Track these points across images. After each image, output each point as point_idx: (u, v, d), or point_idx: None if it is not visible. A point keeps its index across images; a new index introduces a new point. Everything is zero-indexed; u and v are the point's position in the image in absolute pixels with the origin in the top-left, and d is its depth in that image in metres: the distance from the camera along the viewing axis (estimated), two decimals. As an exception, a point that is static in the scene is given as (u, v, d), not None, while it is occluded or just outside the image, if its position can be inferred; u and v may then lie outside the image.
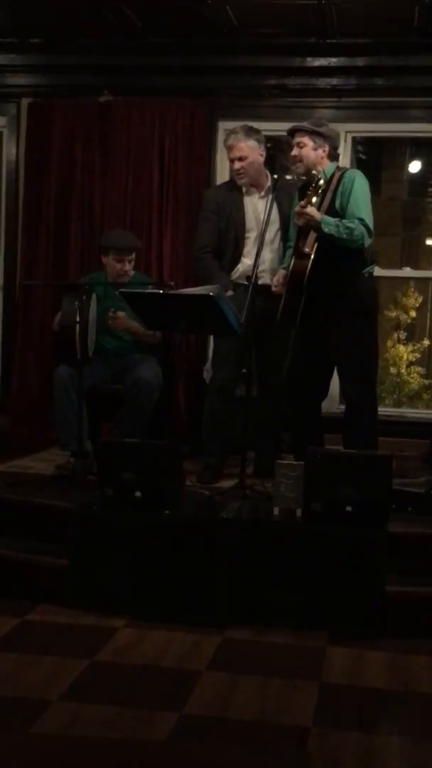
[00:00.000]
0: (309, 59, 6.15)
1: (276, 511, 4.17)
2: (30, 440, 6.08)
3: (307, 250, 4.55)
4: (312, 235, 4.56)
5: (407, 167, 9.69)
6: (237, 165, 5.07)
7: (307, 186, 4.64)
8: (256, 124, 5.26)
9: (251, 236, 5.08)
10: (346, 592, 3.94)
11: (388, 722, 3.17)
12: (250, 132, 5.08)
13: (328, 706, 3.23)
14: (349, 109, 6.23)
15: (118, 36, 6.13)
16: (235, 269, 5.09)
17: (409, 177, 10.18)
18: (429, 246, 11.38)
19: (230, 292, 4.87)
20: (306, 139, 4.72)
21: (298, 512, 4.12)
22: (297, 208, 4.56)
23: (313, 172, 4.63)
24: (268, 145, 5.50)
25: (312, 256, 4.54)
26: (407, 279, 10.63)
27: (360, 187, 4.65)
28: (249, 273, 4.86)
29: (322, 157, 4.73)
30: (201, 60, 6.24)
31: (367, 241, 4.63)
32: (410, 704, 3.30)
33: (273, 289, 4.82)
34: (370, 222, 4.61)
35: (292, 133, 4.78)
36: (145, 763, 2.82)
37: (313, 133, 4.72)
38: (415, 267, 11.03)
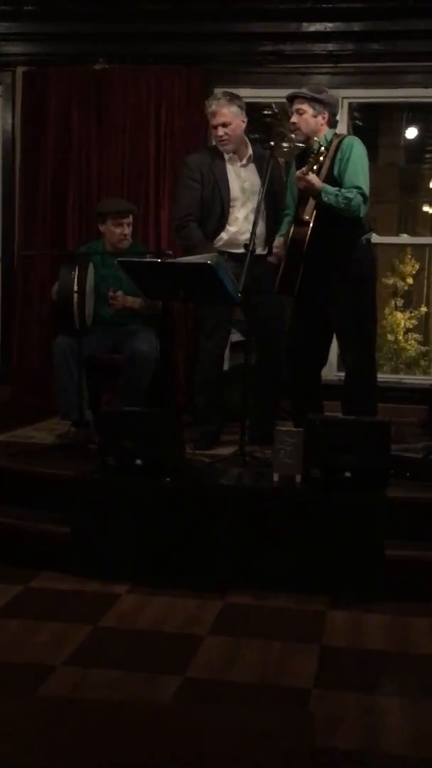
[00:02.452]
0: (305, 24, 6.10)
1: (275, 477, 4.21)
2: (31, 410, 6.09)
3: (306, 217, 4.55)
4: (311, 203, 4.56)
5: (404, 133, 9.62)
6: (221, 131, 5.00)
7: (305, 153, 4.62)
8: (252, 91, 5.26)
9: (236, 205, 5.05)
10: (345, 556, 3.98)
11: (388, 683, 3.23)
12: (233, 98, 5.02)
13: (328, 668, 3.28)
14: (346, 75, 6.18)
15: (114, 3, 6.08)
16: (219, 237, 5.06)
17: (406, 143, 10.11)
18: (426, 212, 11.32)
19: None
20: (305, 106, 4.68)
21: (298, 478, 4.15)
22: (298, 174, 4.53)
23: (315, 139, 4.62)
24: (267, 111, 5.45)
25: (311, 224, 4.54)
26: (404, 246, 10.61)
27: (358, 154, 4.62)
28: (235, 241, 4.90)
29: (321, 125, 4.70)
30: (196, 27, 6.18)
31: (363, 211, 4.62)
32: (409, 665, 3.35)
33: (274, 251, 4.83)
34: (367, 190, 4.60)
35: (291, 99, 4.74)
36: (149, 724, 2.86)
37: (312, 100, 4.68)
38: (412, 234, 11.00)
